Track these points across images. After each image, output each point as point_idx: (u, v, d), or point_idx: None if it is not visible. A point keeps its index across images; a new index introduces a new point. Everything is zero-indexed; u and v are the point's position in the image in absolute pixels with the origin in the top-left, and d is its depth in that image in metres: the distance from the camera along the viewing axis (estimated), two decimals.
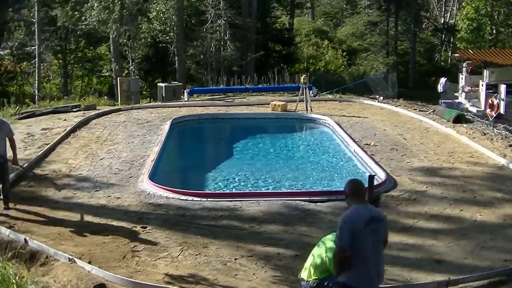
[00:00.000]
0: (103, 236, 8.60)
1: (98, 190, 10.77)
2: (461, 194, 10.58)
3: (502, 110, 18.73)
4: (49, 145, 13.80)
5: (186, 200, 10.16)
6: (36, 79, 32.39)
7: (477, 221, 9.33)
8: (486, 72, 22.95)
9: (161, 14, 32.23)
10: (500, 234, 8.75)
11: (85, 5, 31.06)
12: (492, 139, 14.73)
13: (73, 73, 39.44)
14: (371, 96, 23.60)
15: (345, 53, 42.31)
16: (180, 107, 20.22)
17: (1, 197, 9.64)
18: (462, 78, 24.72)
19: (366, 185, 6.03)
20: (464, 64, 24.75)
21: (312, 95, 20.85)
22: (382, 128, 16.30)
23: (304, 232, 8.84)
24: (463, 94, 24.02)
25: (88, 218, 9.36)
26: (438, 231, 8.87)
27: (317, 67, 38.28)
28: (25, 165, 12.05)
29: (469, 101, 23.23)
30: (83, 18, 32.41)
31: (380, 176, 11.45)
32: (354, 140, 14.62)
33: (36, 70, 32.40)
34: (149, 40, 33.36)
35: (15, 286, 6.93)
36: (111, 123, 17.08)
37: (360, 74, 37.51)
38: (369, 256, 5.11)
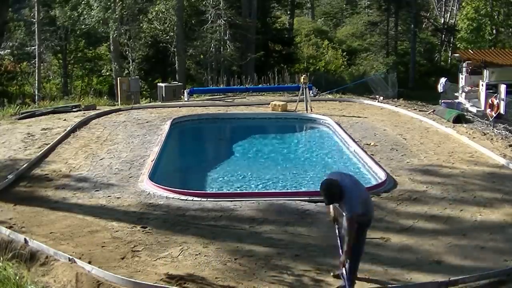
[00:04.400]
0: (103, 236, 8.61)
1: (98, 190, 10.77)
2: (461, 194, 10.58)
3: (502, 110, 18.73)
4: (49, 145, 13.80)
5: (186, 200, 10.16)
6: (36, 79, 32.41)
7: (477, 221, 9.33)
8: (486, 72, 22.95)
9: (161, 14, 32.26)
10: (500, 234, 8.75)
11: (82, 4, 31.11)
12: (492, 139, 14.73)
13: (73, 73, 39.46)
14: (371, 96, 23.59)
15: (345, 53, 42.37)
16: (180, 107, 20.21)
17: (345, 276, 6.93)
18: (462, 78, 24.72)
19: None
20: (464, 64, 24.74)
21: (312, 95, 20.84)
22: (382, 128, 16.30)
23: (304, 232, 8.84)
24: (463, 94, 24.02)
25: (88, 218, 9.36)
26: (438, 231, 8.87)
27: (317, 67, 38.33)
28: (25, 165, 12.08)
29: (469, 101, 23.22)
30: (82, 18, 32.47)
31: (380, 176, 11.46)
32: (354, 140, 14.61)
33: (36, 70, 32.42)
34: (149, 40, 33.40)
35: (15, 286, 6.94)
36: (111, 123, 17.08)
37: (360, 74, 37.57)
38: None
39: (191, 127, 18.44)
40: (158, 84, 24.39)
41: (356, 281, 7.08)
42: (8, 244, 8.13)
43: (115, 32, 29.95)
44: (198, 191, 10.78)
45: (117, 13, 29.66)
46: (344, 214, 6.71)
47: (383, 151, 13.65)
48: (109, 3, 30.24)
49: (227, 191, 11.51)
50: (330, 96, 22.85)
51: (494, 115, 17.17)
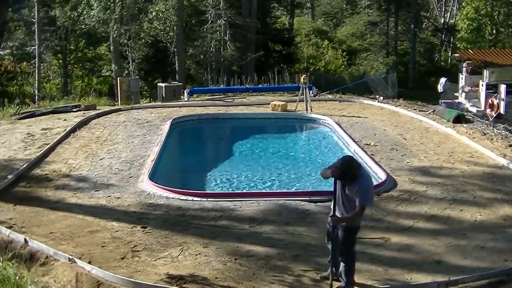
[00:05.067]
0: (103, 236, 8.61)
1: (98, 190, 10.77)
2: (461, 194, 10.59)
3: (502, 110, 18.73)
4: (49, 145, 13.80)
5: (186, 200, 10.17)
6: (36, 79, 32.41)
7: (477, 221, 9.33)
8: (486, 72, 22.95)
9: (161, 14, 32.26)
10: (500, 234, 8.75)
11: (82, 3, 31.12)
12: (492, 139, 14.73)
13: (73, 73, 39.46)
14: (371, 96, 23.59)
15: (345, 53, 42.37)
16: (180, 107, 20.21)
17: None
18: (462, 78, 24.71)
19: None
20: (464, 64, 24.74)
21: (312, 95, 20.84)
22: (382, 128, 16.30)
23: (304, 232, 8.85)
24: (463, 94, 24.02)
25: (88, 218, 9.36)
26: (438, 231, 8.87)
27: (317, 67, 38.33)
28: (25, 165, 12.08)
29: (469, 101, 23.22)
30: (82, 18, 32.47)
31: (380, 176, 11.46)
32: (354, 140, 14.62)
33: (36, 70, 32.42)
34: (149, 40, 33.41)
35: (15, 286, 6.94)
36: (111, 123, 17.08)
37: (360, 74, 37.56)
38: None
39: (191, 127, 18.43)
40: (158, 84, 24.39)
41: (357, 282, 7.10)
42: (8, 244, 8.13)
43: (115, 32, 29.94)
44: (198, 191, 10.79)
45: (116, 13, 29.65)
46: (354, 197, 6.73)
47: (383, 151, 13.65)
48: (109, 3, 30.22)
49: (227, 191, 11.52)
50: (330, 96, 22.85)
51: (494, 115, 17.17)
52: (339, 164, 6.78)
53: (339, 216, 6.91)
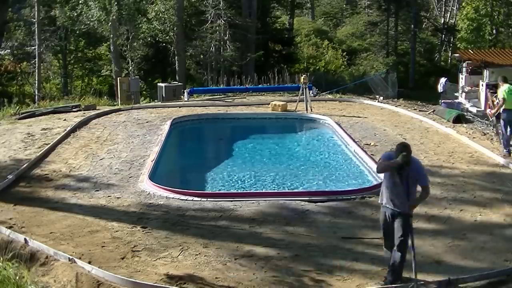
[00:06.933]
0: (103, 236, 8.61)
1: (98, 190, 10.77)
2: (461, 194, 10.59)
3: (502, 110, 18.66)
4: (49, 145, 13.80)
5: (186, 200, 10.17)
6: (36, 79, 32.38)
7: (477, 221, 9.33)
8: (486, 72, 22.94)
9: (161, 14, 32.24)
10: (500, 234, 8.76)
11: (80, 4, 31.11)
12: (492, 139, 14.74)
13: (73, 73, 39.46)
14: (371, 96, 23.59)
15: (345, 53, 42.34)
16: (180, 107, 20.22)
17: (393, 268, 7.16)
18: (462, 78, 24.70)
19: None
20: (464, 64, 24.72)
21: (312, 95, 20.84)
22: (382, 128, 16.30)
23: (304, 232, 8.85)
24: (463, 94, 24.01)
25: (88, 218, 9.36)
26: (438, 231, 8.88)
27: (317, 67, 38.31)
28: (25, 165, 12.08)
29: (469, 101, 23.21)
30: (81, 18, 32.46)
31: (380, 176, 11.42)
32: (354, 140, 14.61)
33: (36, 70, 32.40)
34: (148, 40, 33.41)
35: (15, 286, 6.94)
36: (111, 123, 17.08)
37: (360, 74, 37.54)
38: None
39: (191, 127, 18.43)
40: (158, 84, 24.38)
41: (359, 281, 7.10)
42: (8, 244, 8.13)
43: (111, 33, 29.91)
44: (198, 191, 10.79)
45: (113, 13, 29.60)
46: (417, 180, 7.16)
47: (383, 151, 13.56)
48: (106, 4, 30.16)
49: (227, 191, 11.51)
50: (330, 96, 22.84)
51: (494, 115, 17.12)
52: (405, 150, 7.22)
53: (393, 206, 7.06)
